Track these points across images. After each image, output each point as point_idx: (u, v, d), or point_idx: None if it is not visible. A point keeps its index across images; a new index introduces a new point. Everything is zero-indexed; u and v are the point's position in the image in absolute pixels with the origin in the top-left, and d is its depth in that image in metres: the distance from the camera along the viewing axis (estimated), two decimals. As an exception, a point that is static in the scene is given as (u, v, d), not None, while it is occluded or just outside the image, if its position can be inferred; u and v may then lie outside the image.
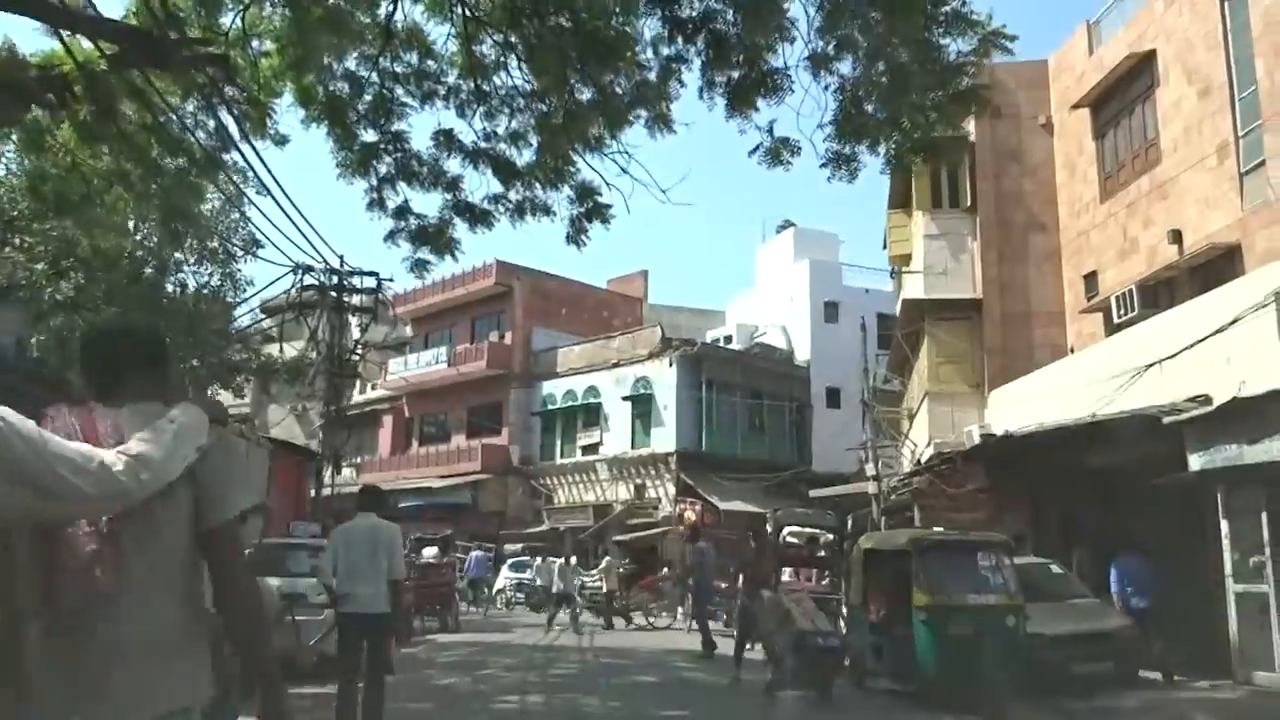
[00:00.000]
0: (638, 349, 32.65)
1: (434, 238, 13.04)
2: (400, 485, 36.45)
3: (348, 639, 7.51)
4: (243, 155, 14.24)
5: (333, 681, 7.39)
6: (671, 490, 30.39)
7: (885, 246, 23.82)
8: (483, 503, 34.53)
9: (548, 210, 12.87)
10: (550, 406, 35.10)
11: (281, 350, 22.95)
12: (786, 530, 16.25)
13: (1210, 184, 14.00)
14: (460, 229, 13.34)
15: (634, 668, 12.16)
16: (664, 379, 31.48)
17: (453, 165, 12.35)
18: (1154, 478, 12.03)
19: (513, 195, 13.07)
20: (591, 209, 12.93)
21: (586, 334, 35.55)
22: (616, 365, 33.07)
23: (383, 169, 12.88)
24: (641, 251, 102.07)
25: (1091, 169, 17.31)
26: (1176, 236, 14.72)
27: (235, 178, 21.19)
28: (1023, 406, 15.40)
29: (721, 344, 34.23)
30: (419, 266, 13.45)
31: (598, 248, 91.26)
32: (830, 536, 15.70)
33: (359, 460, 40.78)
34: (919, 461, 19.45)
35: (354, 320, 21.58)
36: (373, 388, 43.58)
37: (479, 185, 12.40)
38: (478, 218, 13.05)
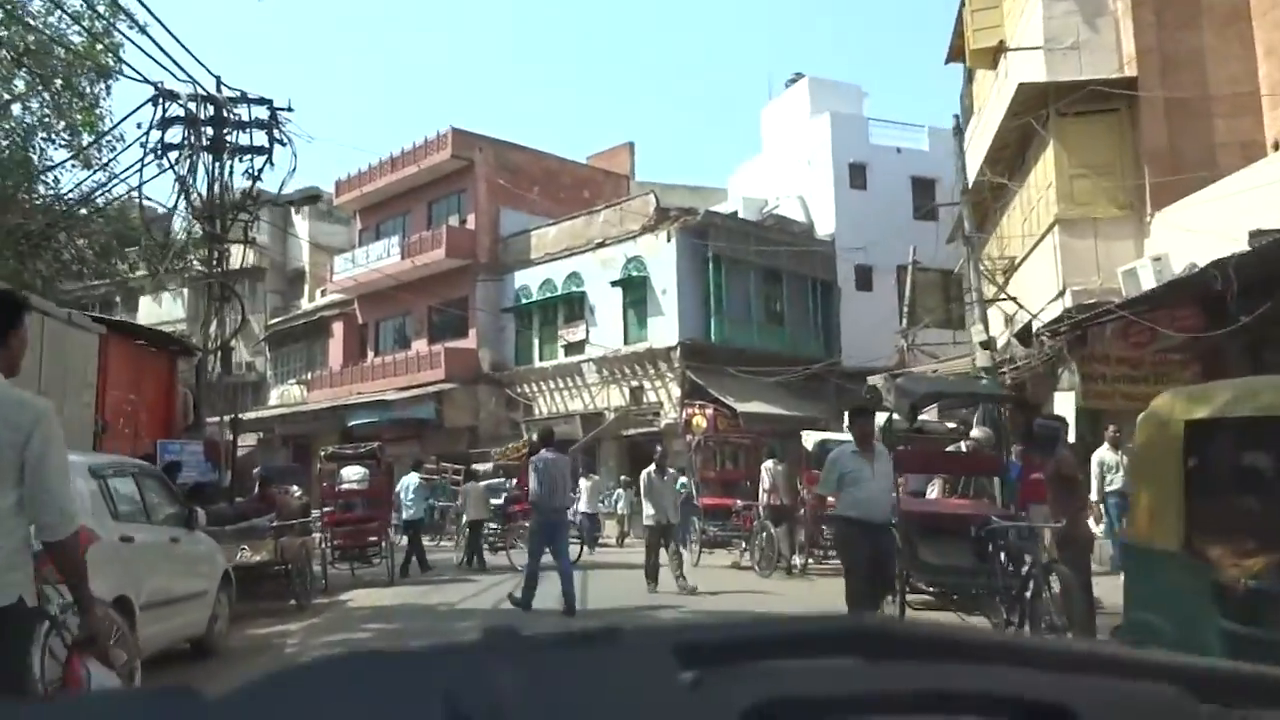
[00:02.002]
0: (627, 224, 26.81)
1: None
2: (354, 401, 31.03)
3: None
4: None
5: None
6: (675, 391, 24.92)
7: (955, 57, 17.94)
8: (449, 417, 28.98)
9: None
10: (525, 300, 29.33)
11: (144, 222, 16.86)
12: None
13: None
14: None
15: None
16: (661, 258, 25.73)
17: None
18: None
19: None
20: None
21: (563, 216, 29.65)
22: (602, 245, 27.25)
23: None
24: (625, 126, 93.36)
25: None
26: None
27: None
28: (1209, 228, 9.86)
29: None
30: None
31: (573, 120, 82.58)
32: (982, 431, 9.95)
33: (308, 376, 35.26)
34: (1027, 328, 13.94)
35: (241, 165, 15.63)
36: (322, 293, 37.90)
37: None
38: None
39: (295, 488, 13.57)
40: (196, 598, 6.83)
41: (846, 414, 9.03)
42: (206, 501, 14.20)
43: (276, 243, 41.71)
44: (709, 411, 23.64)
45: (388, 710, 0.56)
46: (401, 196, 32.56)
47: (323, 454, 14.38)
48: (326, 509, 13.66)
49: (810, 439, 13.93)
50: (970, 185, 15.78)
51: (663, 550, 11.91)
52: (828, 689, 0.64)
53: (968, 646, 0.71)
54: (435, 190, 31.78)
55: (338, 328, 34.93)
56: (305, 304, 39.19)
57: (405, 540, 15.34)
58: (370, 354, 33.32)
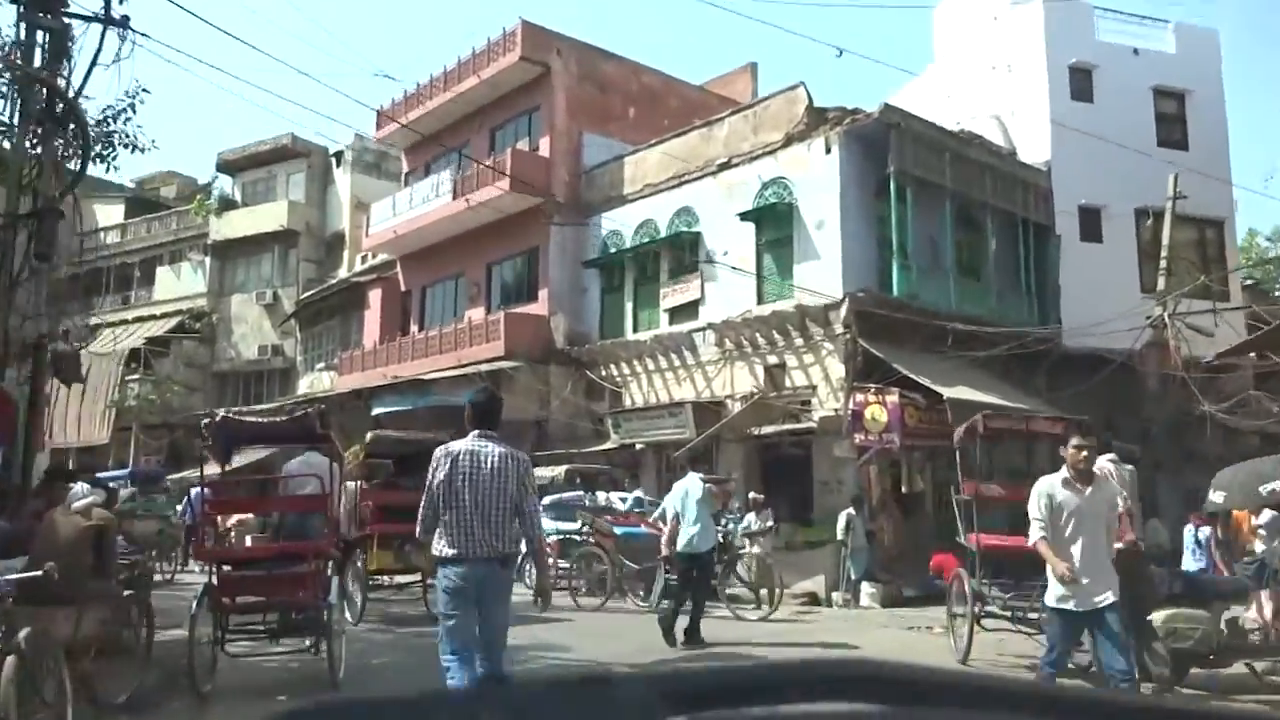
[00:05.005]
0: (763, 134, 18.93)
1: None
2: (385, 384, 23.72)
3: None
4: None
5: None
6: (837, 369, 16.86)
7: None
8: (510, 406, 21.06)
9: None
10: (615, 249, 21.62)
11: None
12: None
13: None
14: None
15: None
16: (816, 178, 17.76)
17: None
18: None
19: None
20: None
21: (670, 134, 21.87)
22: (727, 166, 19.41)
23: None
24: (744, 51, 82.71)
25: None
26: None
27: None
28: None
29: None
30: None
31: (680, 43, 71.79)
32: None
33: (336, 359, 28.12)
34: None
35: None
36: (363, 259, 30.95)
37: None
38: None
39: (81, 485, 5.97)
40: None
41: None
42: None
43: (313, 201, 34.99)
44: (891, 399, 15.66)
45: None
46: (457, 124, 25.18)
47: (203, 425, 6.72)
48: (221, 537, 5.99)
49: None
50: None
51: None
52: None
53: (955, 690, 0.71)
54: (499, 111, 24.36)
55: (375, 297, 27.70)
56: (344, 273, 32.23)
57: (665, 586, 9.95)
58: (414, 328, 25.97)
